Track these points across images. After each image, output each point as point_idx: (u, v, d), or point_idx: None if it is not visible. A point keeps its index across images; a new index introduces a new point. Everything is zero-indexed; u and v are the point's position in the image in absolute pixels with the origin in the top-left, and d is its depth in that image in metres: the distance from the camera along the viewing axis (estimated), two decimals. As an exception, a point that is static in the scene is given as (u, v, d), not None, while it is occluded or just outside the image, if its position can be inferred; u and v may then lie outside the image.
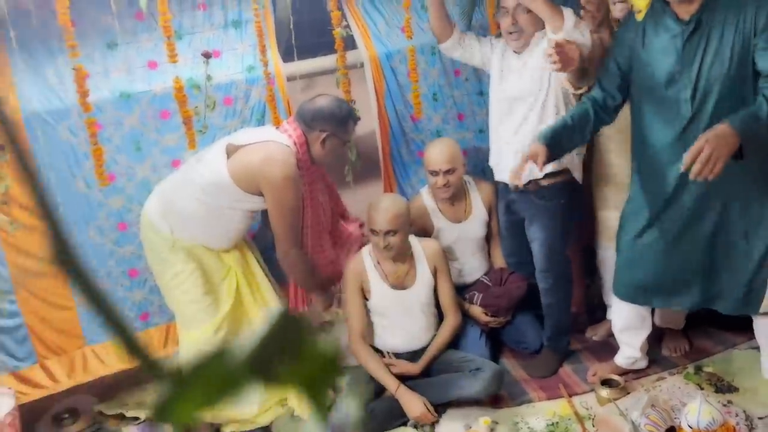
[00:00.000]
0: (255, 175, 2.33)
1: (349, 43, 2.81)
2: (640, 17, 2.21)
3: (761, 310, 2.17)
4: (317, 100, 2.50)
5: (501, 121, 2.65)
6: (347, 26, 2.75)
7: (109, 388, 2.77)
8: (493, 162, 2.78)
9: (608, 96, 2.34)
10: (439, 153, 2.77)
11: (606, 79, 2.35)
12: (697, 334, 2.85)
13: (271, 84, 2.64)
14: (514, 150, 2.60)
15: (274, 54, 2.71)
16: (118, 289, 2.70)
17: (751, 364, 2.57)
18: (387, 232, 2.54)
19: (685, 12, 2.09)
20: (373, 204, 2.60)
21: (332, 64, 2.81)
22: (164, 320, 2.79)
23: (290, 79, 2.79)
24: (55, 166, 2.51)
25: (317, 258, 2.69)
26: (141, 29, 2.57)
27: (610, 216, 2.71)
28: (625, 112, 2.46)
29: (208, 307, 2.48)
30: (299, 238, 2.51)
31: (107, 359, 2.70)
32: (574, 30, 2.30)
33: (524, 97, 2.56)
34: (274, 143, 2.39)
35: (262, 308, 2.59)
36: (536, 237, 2.71)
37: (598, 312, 3.06)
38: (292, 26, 2.61)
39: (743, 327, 2.54)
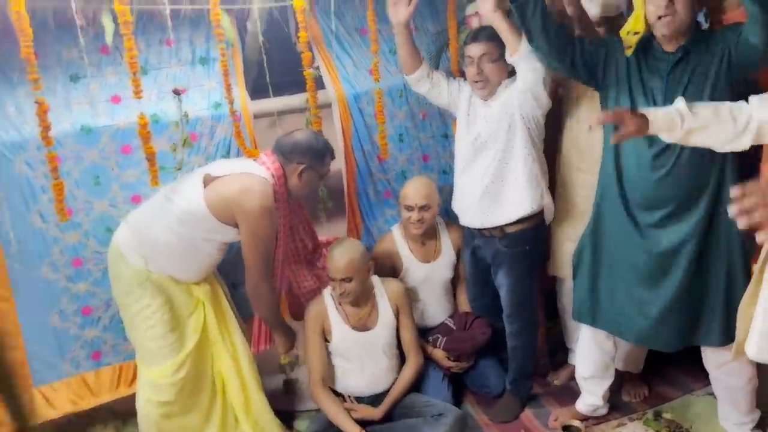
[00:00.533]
0: (231, 205, 2.32)
1: (318, 83, 2.82)
2: (629, 53, 2.27)
3: (731, 357, 2.17)
4: (295, 134, 2.52)
5: (466, 165, 2.68)
6: (318, 67, 2.77)
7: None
8: (456, 207, 2.80)
9: (582, 47, 2.33)
10: (416, 189, 2.81)
11: (587, 44, 2.34)
12: (655, 379, 2.88)
13: (237, 121, 2.62)
14: (479, 195, 2.62)
15: (241, 92, 2.70)
16: (71, 327, 2.60)
17: (709, 410, 2.60)
18: (342, 279, 2.53)
19: (672, 46, 2.18)
20: (330, 250, 2.59)
21: (299, 102, 2.82)
22: (117, 360, 2.70)
23: (257, 116, 2.78)
24: (11, 200, 2.43)
25: (300, 288, 2.67)
26: (106, 63, 2.54)
27: (568, 251, 2.73)
28: (591, 152, 2.55)
29: (173, 344, 2.43)
30: (270, 271, 2.49)
31: (56, 401, 2.58)
32: (530, 53, 2.36)
33: (491, 143, 2.59)
34: (251, 174, 2.39)
35: (229, 344, 2.54)
36: (503, 283, 2.73)
37: (559, 355, 3.08)
38: (266, 64, 2.61)
39: (700, 373, 2.58)
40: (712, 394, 2.58)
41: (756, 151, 2.26)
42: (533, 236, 2.67)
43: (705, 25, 2.42)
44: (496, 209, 2.62)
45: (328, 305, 2.64)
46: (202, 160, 2.69)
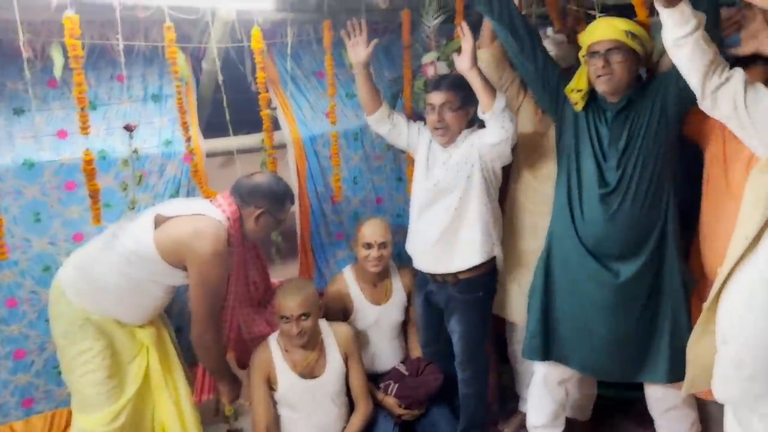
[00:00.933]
0: (182, 248, 2.23)
1: (273, 124, 2.80)
2: (577, 109, 2.36)
3: (684, 392, 2.19)
4: (255, 176, 2.47)
5: (423, 210, 2.69)
6: (275, 108, 2.76)
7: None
8: (410, 249, 2.80)
9: (547, 57, 2.41)
10: (374, 227, 2.81)
11: (555, 68, 2.43)
12: (603, 428, 2.90)
13: (193, 160, 2.57)
14: (433, 240, 2.63)
15: (193, 129, 2.66)
16: (1, 372, 2.45)
17: (655, 459, 2.62)
18: (300, 317, 2.47)
19: (614, 98, 2.29)
20: (282, 289, 2.53)
21: (253, 142, 2.79)
22: (49, 407, 2.56)
23: (210, 155, 2.74)
24: (-59, 236, 2.30)
25: (249, 334, 2.59)
26: (53, 97, 2.47)
27: (517, 295, 2.75)
28: (535, 194, 2.61)
29: (111, 390, 2.31)
30: (218, 320, 2.40)
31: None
32: (502, 112, 2.41)
33: (449, 191, 2.61)
34: (205, 216, 2.31)
35: (172, 391, 2.43)
36: (456, 329, 2.71)
37: (510, 403, 3.07)
38: (226, 104, 2.57)
39: (646, 421, 2.60)
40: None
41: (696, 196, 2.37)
42: (486, 282, 2.68)
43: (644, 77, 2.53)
44: (450, 256, 2.63)
45: (274, 352, 2.56)
46: (150, 199, 2.62)
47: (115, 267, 2.25)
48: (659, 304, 2.30)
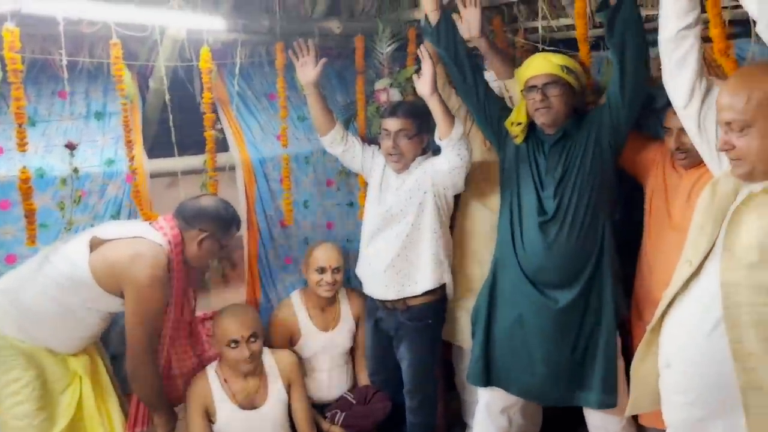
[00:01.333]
0: (119, 273, 2.13)
1: (221, 145, 2.75)
2: (517, 141, 2.42)
3: (627, 413, 2.21)
4: (202, 199, 2.39)
5: (374, 235, 2.67)
6: (221, 129, 2.70)
7: None
8: (360, 272, 2.78)
9: (487, 87, 2.47)
10: (328, 251, 2.78)
11: (497, 101, 2.50)
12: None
13: (132, 180, 2.48)
14: (384, 267, 2.61)
15: (138, 150, 2.58)
16: None
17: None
18: (249, 338, 2.41)
19: (551, 130, 2.36)
20: (225, 314, 2.45)
21: (199, 164, 2.72)
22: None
23: (155, 176, 2.66)
24: None
25: (180, 368, 2.48)
26: (-12, 112, 2.36)
27: (465, 321, 2.74)
28: (483, 222, 2.64)
29: (42, 423, 2.18)
30: (155, 350, 2.30)
31: None
32: (460, 140, 2.42)
33: (400, 217, 2.60)
34: (145, 240, 2.22)
35: (107, 423, 2.30)
36: (405, 356, 2.69)
37: (455, 430, 3.04)
38: (171, 123, 2.51)
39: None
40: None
41: (637, 226, 2.42)
42: (436, 310, 2.67)
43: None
44: (400, 282, 2.61)
45: (212, 382, 2.47)
46: (90, 219, 2.52)
47: (47, 292, 2.14)
48: (593, 331, 2.33)
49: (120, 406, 2.39)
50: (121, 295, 2.17)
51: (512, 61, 2.69)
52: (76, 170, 2.39)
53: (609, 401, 2.30)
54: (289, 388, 2.58)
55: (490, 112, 2.47)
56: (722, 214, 1.50)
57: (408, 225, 2.58)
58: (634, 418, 2.42)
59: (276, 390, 2.54)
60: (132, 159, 2.46)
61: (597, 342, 2.33)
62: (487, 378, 2.48)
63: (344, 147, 2.72)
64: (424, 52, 2.45)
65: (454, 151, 2.45)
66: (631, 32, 2.09)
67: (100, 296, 2.16)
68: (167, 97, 2.53)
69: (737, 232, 1.39)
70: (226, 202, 2.44)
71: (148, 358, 2.23)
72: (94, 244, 2.19)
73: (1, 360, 2.15)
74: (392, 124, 2.57)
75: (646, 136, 2.49)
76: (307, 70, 2.60)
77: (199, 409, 2.44)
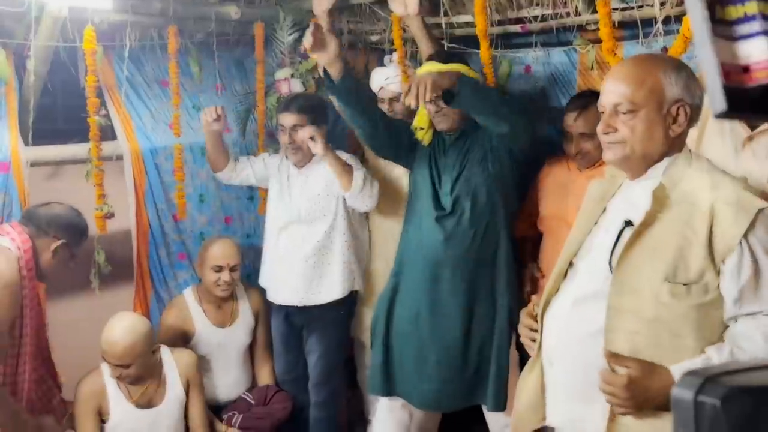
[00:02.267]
0: None
1: (108, 133, 2.58)
2: (425, 144, 2.45)
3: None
4: (54, 207, 2.26)
5: (280, 241, 2.63)
6: (106, 115, 2.52)
7: None
8: (265, 282, 2.72)
9: (392, 129, 2.43)
10: (225, 248, 2.67)
11: (402, 126, 2.48)
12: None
13: (3, 169, 2.27)
14: (294, 272, 2.58)
15: (13, 136, 2.36)
16: None
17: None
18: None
19: (452, 131, 2.40)
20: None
21: (84, 153, 2.53)
22: None
23: (33, 165, 2.45)
24: None
25: (40, 398, 2.26)
26: None
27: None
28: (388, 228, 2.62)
29: None
30: (1, 361, 2.07)
31: None
32: (361, 191, 2.47)
33: (311, 221, 2.58)
34: None
35: None
36: (314, 349, 2.67)
37: (357, 427, 3.02)
38: (35, 107, 2.32)
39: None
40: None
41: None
42: (347, 302, 2.69)
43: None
44: (312, 290, 2.62)
45: (107, 380, 2.32)
46: (-44, 212, 2.29)
47: None
48: (491, 334, 2.37)
49: None
50: None
51: (440, 45, 2.68)
52: None
53: (499, 406, 2.35)
54: (187, 388, 2.46)
55: (403, 145, 2.47)
56: (592, 218, 1.55)
57: (319, 232, 2.58)
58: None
59: (173, 388, 2.42)
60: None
61: (492, 345, 2.36)
62: (388, 388, 2.47)
63: (237, 175, 2.74)
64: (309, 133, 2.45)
65: (359, 201, 2.52)
66: (482, 109, 2.15)
67: None
68: (33, 78, 2.33)
69: (628, 265, 1.41)
70: (76, 210, 2.33)
71: None
72: None
73: None
74: (287, 119, 2.56)
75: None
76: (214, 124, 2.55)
77: (90, 409, 2.28)
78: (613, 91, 1.43)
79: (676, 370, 1.35)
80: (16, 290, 2.05)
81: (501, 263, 2.37)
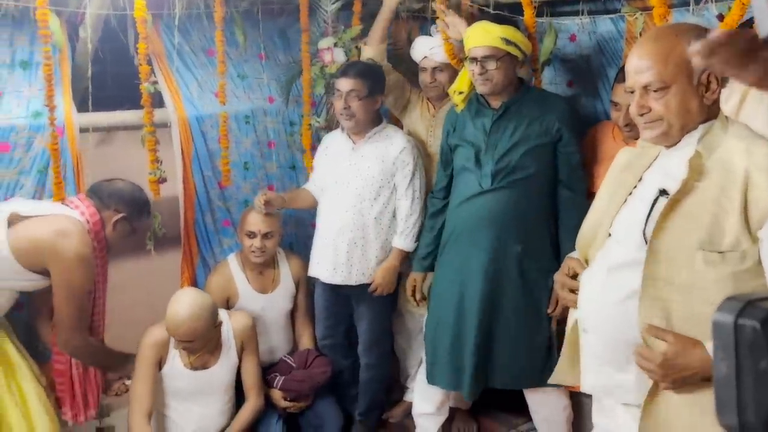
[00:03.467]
0: (43, 251, 2.06)
1: (157, 101, 2.65)
2: (458, 110, 2.42)
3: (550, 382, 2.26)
4: (116, 182, 2.37)
5: (328, 218, 2.69)
6: (156, 82, 2.59)
7: None
8: (313, 257, 2.78)
9: (450, 177, 2.51)
10: (260, 215, 2.70)
11: (445, 163, 2.53)
12: (483, 415, 2.97)
13: (58, 133, 2.35)
14: (343, 255, 2.66)
15: (66, 103, 2.45)
16: None
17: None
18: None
19: (497, 101, 2.35)
20: (172, 312, 2.30)
21: (134, 119, 2.61)
22: None
23: (84, 130, 2.54)
24: None
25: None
26: None
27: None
28: None
29: None
30: (87, 325, 2.24)
31: None
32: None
33: (361, 200, 2.62)
34: (68, 217, 2.15)
35: (17, 397, 2.20)
36: (364, 316, 2.74)
37: (395, 393, 3.08)
38: (90, 74, 2.40)
39: (524, 408, 2.69)
40: (534, 429, 2.70)
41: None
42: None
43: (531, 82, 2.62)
44: (358, 272, 2.68)
45: (171, 340, 2.42)
46: (15, 175, 2.39)
47: None
48: (530, 311, 2.34)
49: (36, 379, 2.29)
50: (42, 272, 2.11)
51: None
52: None
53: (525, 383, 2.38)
54: (241, 351, 2.55)
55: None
56: (626, 187, 1.53)
57: (371, 214, 2.63)
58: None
59: (228, 352, 2.51)
60: (53, 110, 2.32)
61: (539, 323, 2.34)
62: (455, 381, 2.42)
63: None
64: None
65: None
66: None
67: (18, 273, 2.08)
68: (90, 45, 2.40)
69: (663, 234, 1.40)
70: (138, 186, 2.44)
71: (78, 334, 2.19)
72: (14, 221, 2.10)
73: None
74: (343, 84, 2.57)
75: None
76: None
77: (152, 360, 2.39)
78: (639, 71, 1.41)
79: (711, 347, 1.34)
80: (92, 260, 2.18)
81: (546, 239, 2.35)
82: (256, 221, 2.69)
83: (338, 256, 2.65)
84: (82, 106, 2.55)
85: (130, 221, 2.35)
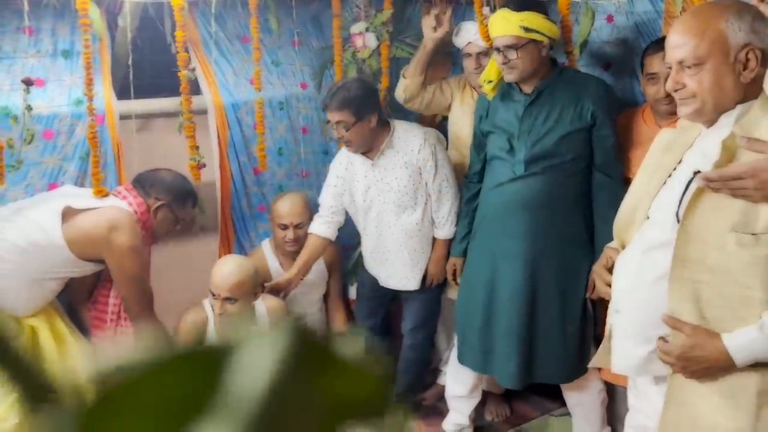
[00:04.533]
0: (98, 243, 2.16)
1: (193, 88, 2.69)
2: (489, 97, 2.41)
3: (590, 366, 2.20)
4: (160, 171, 2.43)
5: (368, 230, 2.69)
6: (194, 69, 2.63)
7: None
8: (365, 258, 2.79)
9: (484, 161, 2.50)
10: (290, 206, 2.74)
11: (478, 148, 2.51)
12: (516, 399, 2.98)
13: (96, 122, 2.41)
14: (388, 262, 2.67)
15: (106, 90, 2.51)
16: None
17: (565, 429, 2.71)
18: (226, 299, 2.37)
19: (528, 86, 2.31)
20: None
21: (172, 106, 2.66)
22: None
23: (124, 117, 2.60)
24: None
25: None
26: (-52, 48, 2.27)
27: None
28: None
29: None
30: (151, 302, 2.35)
31: None
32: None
33: (396, 211, 2.60)
34: (117, 209, 2.23)
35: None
36: (416, 298, 2.74)
37: (429, 376, 3.10)
38: (131, 62, 2.44)
39: (557, 393, 2.69)
40: (568, 414, 2.69)
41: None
42: None
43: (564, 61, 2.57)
44: (403, 278, 2.69)
45: (209, 315, 2.48)
46: (58, 161, 2.46)
47: (5, 257, 2.09)
48: (574, 300, 2.32)
49: (85, 355, 2.38)
50: (96, 261, 2.20)
51: None
52: (29, 108, 2.30)
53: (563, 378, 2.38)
54: None
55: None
56: (666, 168, 1.52)
57: (411, 222, 2.61)
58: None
59: None
60: (91, 98, 2.38)
61: (572, 310, 2.32)
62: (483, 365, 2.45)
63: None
64: None
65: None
66: None
67: (71, 263, 2.16)
68: (133, 36, 2.45)
69: (695, 215, 1.39)
70: (184, 176, 2.48)
71: (148, 314, 2.31)
72: (67, 214, 2.17)
73: None
74: (330, 116, 2.50)
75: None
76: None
77: (191, 336, 2.44)
78: (675, 46, 1.40)
79: (728, 339, 1.33)
80: (142, 249, 2.27)
81: (580, 225, 2.32)
82: (287, 213, 2.73)
83: (394, 269, 2.68)
84: (121, 94, 2.61)
85: (172, 209, 2.40)
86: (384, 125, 2.57)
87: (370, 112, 2.48)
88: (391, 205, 2.60)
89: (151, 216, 2.35)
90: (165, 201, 2.36)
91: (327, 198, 2.70)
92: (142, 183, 2.36)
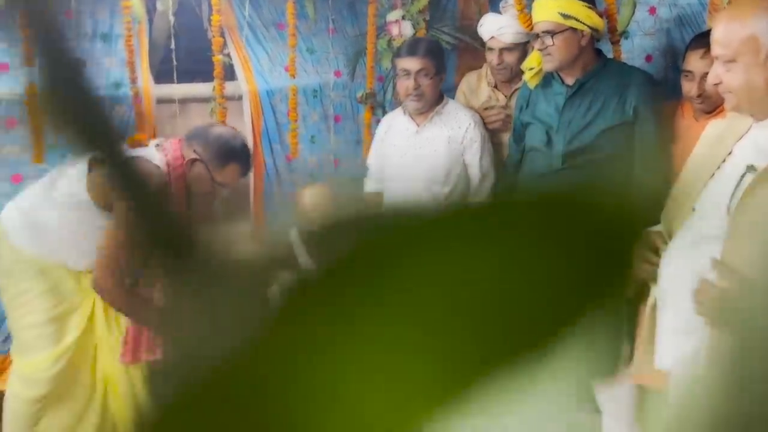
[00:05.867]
0: (108, 193, 2.10)
1: (229, 74, 2.70)
2: (531, 85, 2.36)
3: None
4: (214, 126, 2.29)
5: (398, 180, 2.62)
6: (228, 54, 2.64)
7: None
8: None
9: (521, 154, 2.45)
10: (314, 199, 2.71)
11: (517, 138, 2.47)
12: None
13: (138, 103, 2.43)
14: None
15: (144, 74, 2.53)
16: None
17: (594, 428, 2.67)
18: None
19: (570, 77, 2.25)
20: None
21: (208, 91, 2.68)
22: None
23: (161, 101, 2.62)
24: None
25: None
26: (-8, 27, 2.30)
27: None
28: None
29: (51, 334, 2.18)
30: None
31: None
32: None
33: (427, 187, 2.54)
34: (146, 161, 2.19)
35: (115, 343, 2.33)
36: None
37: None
38: (174, 46, 2.46)
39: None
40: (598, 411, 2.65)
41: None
42: None
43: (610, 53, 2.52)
44: None
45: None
46: (95, 143, 2.49)
47: (63, 209, 2.13)
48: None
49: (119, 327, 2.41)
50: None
51: None
52: None
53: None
54: None
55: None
56: (715, 160, 1.49)
57: (443, 191, 2.55)
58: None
59: None
60: (134, 81, 2.41)
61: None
62: None
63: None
64: None
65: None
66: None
67: (97, 213, 2.17)
68: (172, 20, 2.47)
69: (746, 210, 1.36)
70: (237, 136, 2.24)
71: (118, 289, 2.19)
72: (93, 165, 2.18)
73: (12, 272, 2.16)
74: (411, 63, 2.44)
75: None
76: None
77: None
78: (715, 41, 1.39)
79: None
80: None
81: None
82: (311, 203, 2.72)
83: None
84: (159, 79, 2.63)
85: (207, 166, 2.17)
86: (441, 95, 2.56)
87: (444, 69, 2.53)
88: (422, 177, 2.55)
89: (186, 168, 2.17)
90: (200, 156, 2.16)
91: (372, 159, 2.71)
92: (191, 135, 2.22)
